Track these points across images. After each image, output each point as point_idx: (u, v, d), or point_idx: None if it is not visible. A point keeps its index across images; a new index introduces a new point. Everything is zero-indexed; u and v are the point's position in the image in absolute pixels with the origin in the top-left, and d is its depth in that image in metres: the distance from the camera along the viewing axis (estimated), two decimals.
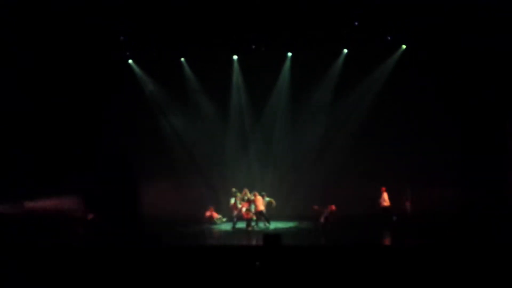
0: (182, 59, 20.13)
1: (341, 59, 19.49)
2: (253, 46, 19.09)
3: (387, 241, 14.81)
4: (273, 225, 17.01)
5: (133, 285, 8.29)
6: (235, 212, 17.25)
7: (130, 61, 20.05)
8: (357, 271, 8.99)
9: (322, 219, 15.80)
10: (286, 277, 8.58)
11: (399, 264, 9.73)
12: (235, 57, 20.13)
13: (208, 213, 18.23)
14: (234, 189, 17.79)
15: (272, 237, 11.79)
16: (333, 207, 15.88)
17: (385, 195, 17.08)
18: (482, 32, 16.08)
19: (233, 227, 16.98)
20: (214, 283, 8.22)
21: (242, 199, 17.33)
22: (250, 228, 16.73)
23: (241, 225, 17.06)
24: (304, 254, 12.12)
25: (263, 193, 17.44)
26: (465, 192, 17.73)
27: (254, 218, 17.03)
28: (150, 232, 15.37)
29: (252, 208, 17.04)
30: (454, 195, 17.43)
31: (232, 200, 17.52)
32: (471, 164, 18.16)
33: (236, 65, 20.22)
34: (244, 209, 17.00)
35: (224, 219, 18.33)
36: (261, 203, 16.95)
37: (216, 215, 18.35)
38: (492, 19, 15.37)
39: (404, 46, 18.85)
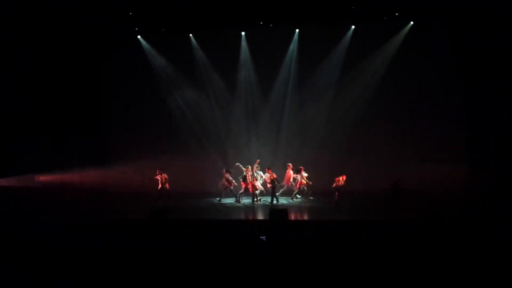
0: (191, 35, 20.21)
1: (348, 35, 19.49)
2: (261, 22, 19.09)
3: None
4: (280, 201, 17.16)
5: (137, 258, 8.52)
6: (243, 186, 17.24)
7: (138, 36, 20.20)
8: (361, 247, 9.14)
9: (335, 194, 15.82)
10: (291, 251, 8.77)
11: (400, 239, 9.94)
12: (243, 33, 20.16)
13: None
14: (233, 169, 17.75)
15: (278, 212, 12.13)
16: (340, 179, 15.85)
17: (289, 172, 17.64)
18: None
19: (239, 201, 17.25)
20: (219, 256, 8.42)
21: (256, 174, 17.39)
22: (256, 202, 17.00)
23: (247, 200, 17.37)
24: (310, 229, 12.41)
25: (289, 164, 17.68)
26: (468, 170, 17.93)
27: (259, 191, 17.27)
28: (159, 206, 15.64)
29: (260, 182, 17.30)
30: (455, 172, 17.53)
31: (243, 175, 17.30)
32: (476, 142, 18.37)
33: (244, 41, 20.24)
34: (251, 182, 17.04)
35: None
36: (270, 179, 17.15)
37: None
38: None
39: (411, 23, 18.83)
